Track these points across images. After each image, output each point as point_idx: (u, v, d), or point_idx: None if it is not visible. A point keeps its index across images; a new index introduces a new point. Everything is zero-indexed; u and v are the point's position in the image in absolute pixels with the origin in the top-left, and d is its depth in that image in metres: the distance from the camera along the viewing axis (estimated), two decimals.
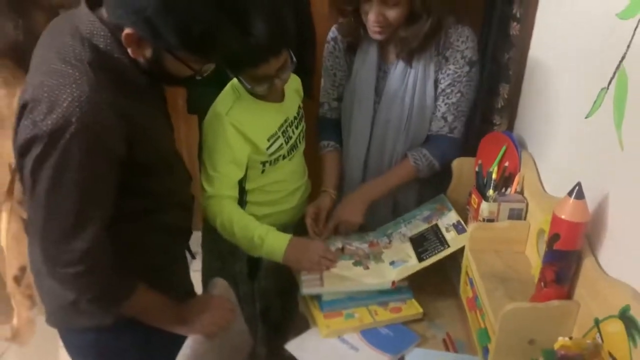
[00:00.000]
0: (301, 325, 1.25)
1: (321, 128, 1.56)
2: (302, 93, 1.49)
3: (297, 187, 1.48)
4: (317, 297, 1.26)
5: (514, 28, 1.53)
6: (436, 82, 1.38)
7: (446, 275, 1.37)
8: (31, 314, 1.65)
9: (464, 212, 1.35)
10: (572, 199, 0.91)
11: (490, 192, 1.24)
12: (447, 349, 1.18)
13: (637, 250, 0.84)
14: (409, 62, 1.37)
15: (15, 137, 0.93)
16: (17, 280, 1.58)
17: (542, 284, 0.99)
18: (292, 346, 1.17)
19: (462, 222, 1.31)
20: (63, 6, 1.48)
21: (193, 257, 1.35)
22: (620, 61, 0.88)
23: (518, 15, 1.50)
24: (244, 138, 1.31)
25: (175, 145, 1.20)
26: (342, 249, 1.37)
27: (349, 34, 1.41)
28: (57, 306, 1.12)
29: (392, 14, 1.26)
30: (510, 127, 1.46)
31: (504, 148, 1.29)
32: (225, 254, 1.49)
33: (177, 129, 1.25)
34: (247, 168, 1.36)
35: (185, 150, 1.98)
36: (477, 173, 1.31)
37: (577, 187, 0.91)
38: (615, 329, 0.84)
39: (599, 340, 0.88)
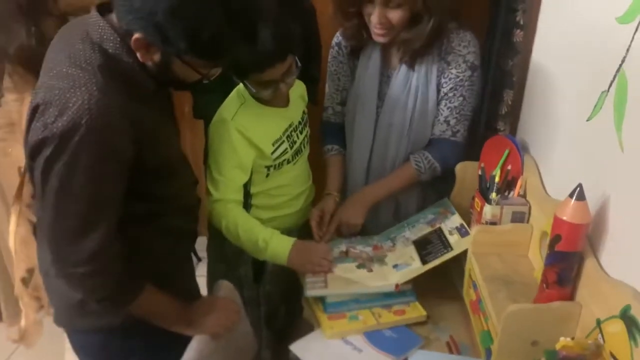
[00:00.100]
0: (305, 329, 1.25)
1: (325, 132, 1.58)
2: (306, 99, 1.51)
3: (301, 191, 1.50)
4: (322, 299, 1.27)
5: (518, 35, 1.55)
6: (438, 87, 1.39)
7: (449, 278, 1.37)
8: (38, 316, 1.66)
9: (467, 216, 1.36)
10: (573, 201, 0.92)
11: (493, 195, 1.25)
12: (451, 352, 1.18)
13: (638, 251, 0.85)
14: (411, 65, 1.38)
15: (27, 139, 0.95)
16: (25, 282, 1.60)
17: (545, 285, 0.99)
18: (296, 347, 1.18)
19: (466, 226, 1.32)
20: (73, 13, 1.51)
21: (199, 259, 1.37)
22: (620, 64, 0.90)
23: (522, 22, 1.52)
24: (249, 143, 1.33)
25: (182, 149, 1.22)
26: (346, 252, 1.38)
27: (353, 37, 1.42)
28: (65, 306, 1.14)
29: (395, 15, 1.28)
30: (513, 131, 1.48)
31: (506, 152, 1.30)
32: (230, 258, 1.50)
33: (183, 135, 1.27)
34: (252, 172, 1.38)
35: (191, 155, 1.99)
36: (480, 176, 1.32)
37: (578, 189, 0.92)
38: (616, 329, 0.84)
39: (601, 341, 0.89)
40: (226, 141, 1.32)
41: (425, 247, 1.33)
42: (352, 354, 1.16)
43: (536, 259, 1.16)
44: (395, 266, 1.31)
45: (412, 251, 1.35)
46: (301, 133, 1.44)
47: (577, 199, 0.92)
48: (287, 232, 1.38)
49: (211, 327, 1.16)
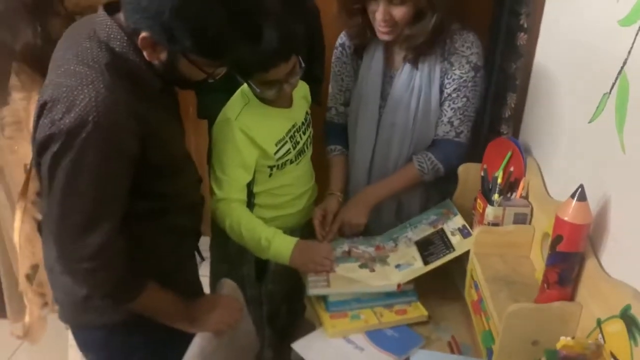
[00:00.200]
0: (307, 329, 1.26)
1: (328, 132, 1.59)
2: (309, 100, 1.52)
3: (303, 191, 1.50)
4: (324, 298, 1.27)
5: (521, 38, 1.56)
6: (441, 87, 1.40)
7: (451, 279, 1.38)
8: (43, 312, 1.67)
9: (470, 217, 1.36)
10: (574, 201, 0.93)
11: (496, 196, 1.25)
12: (452, 352, 1.19)
13: (638, 251, 0.85)
14: (414, 63, 1.39)
15: (34, 135, 0.97)
16: (29, 278, 1.61)
17: (546, 285, 1.00)
18: (298, 345, 1.18)
19: (468, 227, 1.32)
20: (79, 13, 1.53)
21: (202, 258, 1.37)
22: (622, 67, 0.91)
23: (525, 25, 1.53)
24: (253, 142, 1.34)
25: (186, 148, 1.23)
26: (349, 252, 1.39)
27: (357, 36, 1.43)
28: (69, 302, 1.15)
29: (399, 12, 1.29)
30: (516, 133, 1.48)
31: (509, 154, 1.31)
32: (233, 257, 1.51)
33: (187, 135, 1.28)
34: (255, 172, 1.39)
35: (194, 155, 2.00)
36: (483, 178, 1.33)
37: (579, 190, 0.92)
38: (616, 328, 0.85)
39: (601, 341, 0.89)
40: (230, 141, 1.33)
41: (427, 247, 1.34)
42: (354, 352, 1.17)
43: (538, 260, 1.17)
44: (397, 266, 1.32)
45: (414, 251, 1.35)
46: (304, 134, 1.45)
47: (579, 199, 0.92)
48: (289, 231, 1.39)
49: (214, 324, 1.17)
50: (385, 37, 1.35)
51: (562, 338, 0.89)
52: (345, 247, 1.40)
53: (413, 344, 1.19)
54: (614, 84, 0.93)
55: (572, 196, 0.93)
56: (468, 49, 1.37)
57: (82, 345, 1.22)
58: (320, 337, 1.21)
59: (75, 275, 1.02)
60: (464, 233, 1.31)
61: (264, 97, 1.33)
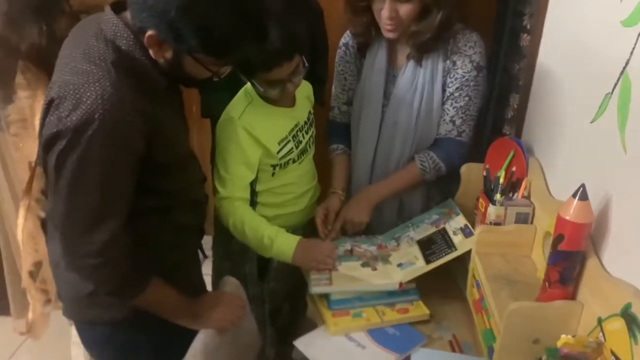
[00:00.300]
0: (309, 327, 1.27)
1: (331, 131, 1.60)
2: (312, 99, 1.52)
3: (306, 190, 1.51)
4: (326, 296, 1.28)
5: (524, 39, 1.56)
6: (444, 86, 1.41)
7: (453, 278, 1.38)
8: (45, 309, 1.68)
9: (472, 217, 1.37)
10: (576, 200, 0.93)
11: (498, 196, 1.26)
12: (453, 350, 1.19)
13: (639, 250, 0.86)
14: (418, 60, 1.40)
15: (41, 132, 0.98)
16: (32, 275, 1.62)
17: (547, 284, 1.00)
18: (300, 343, 1.19)
19: (470, 226, 1.33)
20: (85, 12, 1.53)
21: (205, 256, 1.38)
22: (624, 67, 0.91)
23: (528, 26, 1.54)
24: (256, 141, 1.34)
25: (190, 146, 1.24)
26: (351, 251, 1.39)
27: (362, 34, 1.44)
28: (74, 298, 1.16)
29: (405, 9, 1.30)
30: (519, 133, 1.49)
31: (511, 153, 1.32)
32: (235, 255, 1.52)
33: (190, 134, 1.29)
34: (257, 171, 1.39)
35: (197, 153, 2.01)
36: (485, 178, 1.33)
37: (581, 189, 0.93)
38: (617, 327, 0.85)
39: (602, 339, 0.90)
40: (233, 139, 1.33)
41: (429, 247, 1.35)
42: (356, 350, 1.17)
43: (539, 259, 1.17)
44: (399, 265, 1.33)
45: (416, 251, 1.36)
46: (307, 133, 1.46)
47: (580, 198, 0.93)
48: (292, 230, 1.40)
49: (217, 321, 1.18)
50: (390, 35, 1.36)
51: (563, 336, 0.89)
52: (348, 246, 1.41)
53: (414, 343, 1.19)
54: (616, 84, 0.94)
55: (574, 195, 0.94)
56: (471, 49, 1.37)
57: (86, 342, 1.23)
58: (322, 335, 1.22)
59: (81, 271, 1.03)
60: (466, 232, 1.32)
61: (267, 96, 1.34)
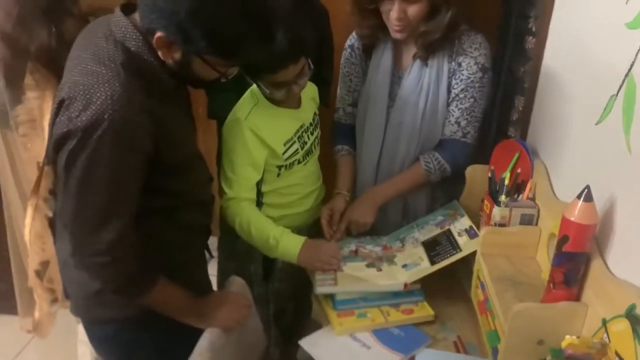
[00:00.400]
0: (313, 328, 1.27)
1: (336, 133, 1.60)
2: (318, 101, 1.53)
3: (311, 190, 1.52)
4: (331, 297, 1.29)
5: (530, 42, 1.57)
6: (449, 87, 1.42)
7: (458, 279, 1.39)
8: (52, 308, 1.70)
9: (477, 219, 1.37)
10: (581, 202, 0.93)
11: (503, 197, 1.26)
12: (458, 351, 1.20)
13: None
14: (425, 59, 1.40)
15: (51, 132, 0.99)
16: (39, 274, 1.63)
17: (551, 285, 1.01)
18: (305, 342, 1.20)
19: (475, 228, 1.33)
20: (93, 14, 1.55)
21: (211, 255, 1.39)
22: (629, 69, 0.92)
23: (533, 29, 1.54)
24: (262, 142, 1.35)
25: (198, 147, 1.25)
26: (356, 251, 1.40)
27: (369, 36, 1.45)
28: (81, 297, 1.17)
29: (414, 10, 1.30)
30: (524, 135, 1.49)
31: (516, 155, 1.32)
32: (241, 255, 1.53)
33: (197, 135, 1.29)
34: (263, 171, 1.40)
35: (204, 154, 2.02)
36: (490, 179, 1.34)
37: (586, 190, 0.93)
38: (621, 328, 0.86)
39: (606, 340, 0.90)
40: (239, 140, 1.34)
41: (434, 248, 1.35)
42: (361, 350, 1.18)
43: (544, 261, 1.18)
44: (404, 266, 1.33)
45: (421, 252, 1.36)
46: (312, 134, 1.47)
47: (585, 200, 0.93)
48: (297, 230, 1.41)
49: (222, 320, 1.19)
50: (399, 36, 1.36)
51: (568, 337, 0.89)
52: (353, 247, 1.42)
53: (419, 343, 1.20)
54: (621, 86, 0.94)
55: (579, 197, 0.94)
56: (476, 50, 1.38)
57: (93, 340, 1.24)
58: (327, 335, 1.23)
59: (89, 269, 1.04)
60: (471, 234, 1.32)
61: (273, 97, 1.35)
